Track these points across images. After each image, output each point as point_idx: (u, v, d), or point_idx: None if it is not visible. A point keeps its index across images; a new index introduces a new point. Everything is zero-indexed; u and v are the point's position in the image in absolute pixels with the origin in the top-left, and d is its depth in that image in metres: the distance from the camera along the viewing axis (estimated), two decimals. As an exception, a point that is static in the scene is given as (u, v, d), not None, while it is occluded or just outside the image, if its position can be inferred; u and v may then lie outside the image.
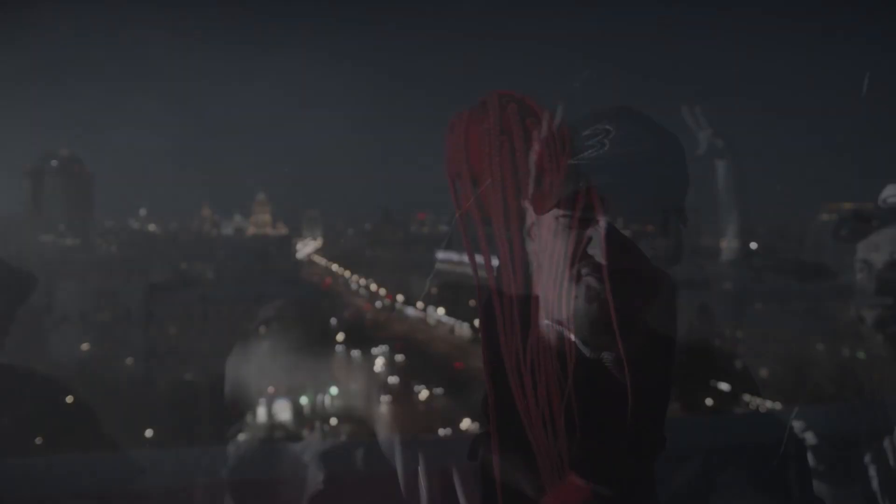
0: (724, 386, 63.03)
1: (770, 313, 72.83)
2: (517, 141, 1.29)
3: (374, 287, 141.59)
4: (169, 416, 49.74)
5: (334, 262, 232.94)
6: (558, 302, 1.29)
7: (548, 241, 1.31)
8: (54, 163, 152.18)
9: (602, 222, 1.29)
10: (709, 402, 58.36)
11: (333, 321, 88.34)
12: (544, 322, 1.30)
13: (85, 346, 63.04)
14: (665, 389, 1.27)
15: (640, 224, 1.40)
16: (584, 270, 1.28)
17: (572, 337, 1.27)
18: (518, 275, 1.32)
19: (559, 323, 1.28)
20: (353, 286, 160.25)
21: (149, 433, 49.17)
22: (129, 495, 2.04)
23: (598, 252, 1.27)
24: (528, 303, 1.34)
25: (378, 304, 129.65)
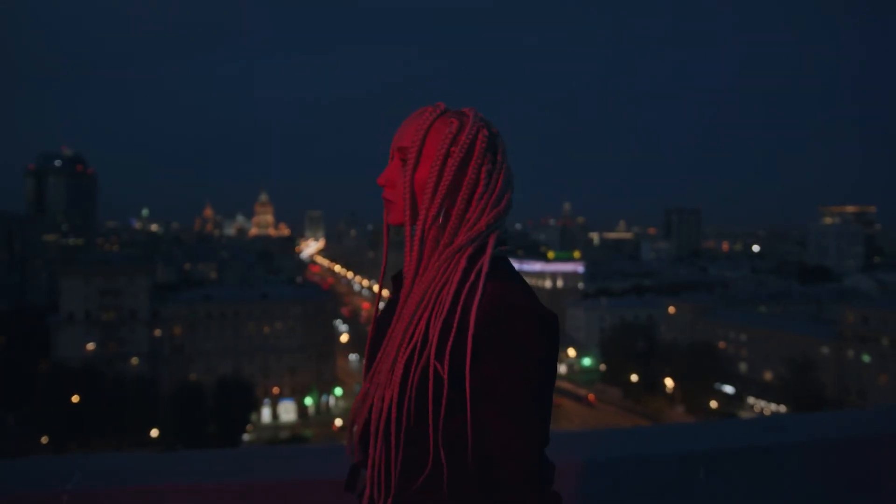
0: (728, 388, 62.97)
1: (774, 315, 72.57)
2: (472, 166, 1.31)
3: (377, 288, 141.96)
4: (173, 415, 49.76)
5: (336, 262, 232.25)
6: (423, 328, 1.27)
7: (438, 266, 1.29)
8: (58, 162, 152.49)
9: (488, 256, 1.28)
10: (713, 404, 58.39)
11: (338, 323, 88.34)
12: (405, 345, 1.28)
13: (90, 346, 63.04)
14: (539, 434, 1.24)
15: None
16: (458, 299, 1.27)
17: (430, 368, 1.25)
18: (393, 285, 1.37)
19: (423, 350, 1.26)
20: (356, 287, 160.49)
21: (154, 433, 49.26)
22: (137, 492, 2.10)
23: (478, 283, 1.26)
24: (390, 323, 1.36)
25: (381, 305, 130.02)
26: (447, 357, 1.23)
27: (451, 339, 1.24)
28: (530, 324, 1.23)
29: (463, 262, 1.28)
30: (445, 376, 1.23)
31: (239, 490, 2.13)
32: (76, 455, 2.47)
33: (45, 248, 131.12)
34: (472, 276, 1.26)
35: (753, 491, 2.54)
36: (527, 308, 1.24)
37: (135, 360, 62.91)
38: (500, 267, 1.30)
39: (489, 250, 1.28)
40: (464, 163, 1.31)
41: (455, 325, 1.24)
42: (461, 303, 1.25)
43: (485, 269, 1.26)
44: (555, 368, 1.29)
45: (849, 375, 56.92)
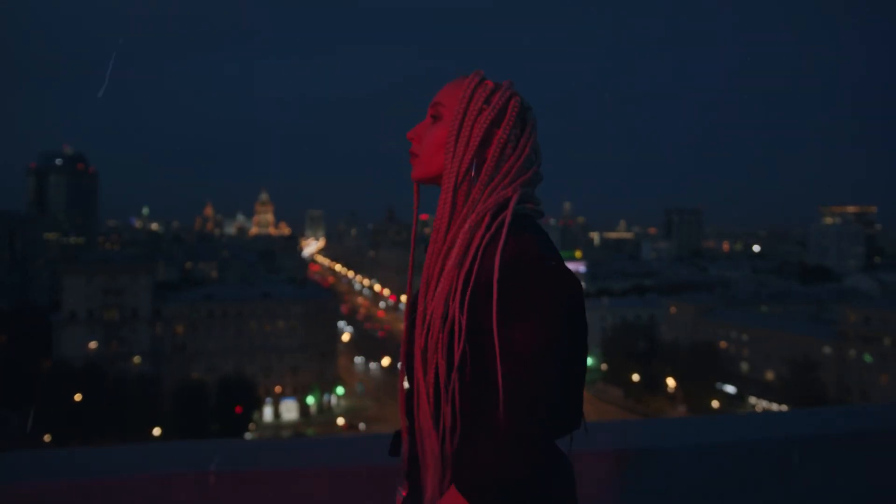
0: (730, 388, 62.99)
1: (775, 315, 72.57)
2: (502, 127, 1.39)
3: (377, 287, 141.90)
4: (175, 414, 49.85)
5: (337, 262, 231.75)
6: (453, 285, 1.33)
7: (468, 225, 1.35)
8: (59, 161, 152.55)
9: (511, 210, 1.33)
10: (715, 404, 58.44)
11: (343, 324, 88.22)
12: (439, 304, 1.33)
13: (92, 345, 63.09)
14: (547, 386, 1.24)
15: None
16: (483, 254, 1.32)
17: (461, 325, 1.29)
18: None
19: (451, 306, 1.31)
20: (357, 286, 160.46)
21: (156, 431, 49.33)
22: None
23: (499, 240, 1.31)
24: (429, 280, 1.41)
25: (382, 304, 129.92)
26: (466, 308, 1.28)
27: (468, 289, 1.29)
28: (543, 276, 1.26)
29: (487, 219, 1.33)
30: (464, 328, 1.28)
31: (369, 472, 2.29)
32: (215, 439, 2.62)
33: (47, 246, 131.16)
34: (493, 229, 1.32)
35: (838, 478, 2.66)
36: (541, 260, 1.27)
37: (137, 359, 62.97)
38: (524, 224, 1.34)
39: (511, 205, 1.33)
40: (494, 123, 1.38)
41: (473, 276, 1.29)
42: (480, 255, 1.30)
43: (507, 221, 1.31)
44: (576, 326, 1.33)
45: (850, 375, 56.98)
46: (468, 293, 1.28)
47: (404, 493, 1.43)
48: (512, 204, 1.33)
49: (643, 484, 2.48)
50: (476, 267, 1.29)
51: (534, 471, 1.20)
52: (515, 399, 1.21)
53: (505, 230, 1.29)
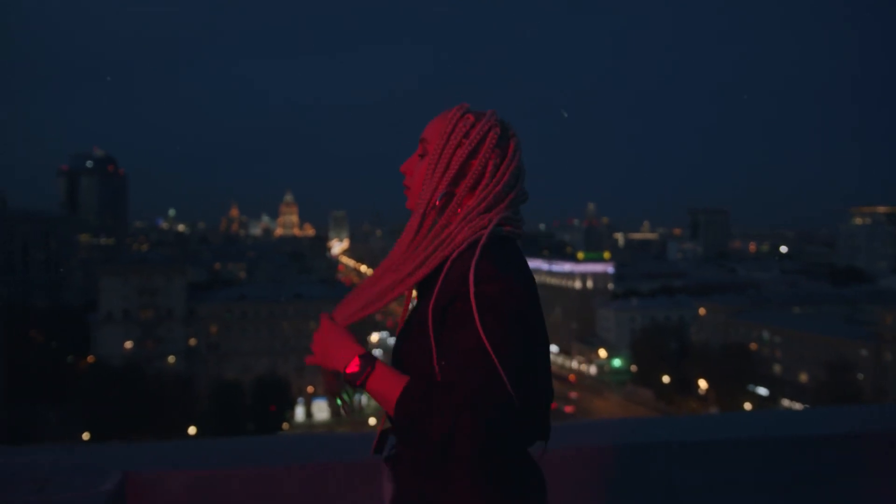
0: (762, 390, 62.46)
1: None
2: (478, 159, 1.46)
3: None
4: (211, 413, 50.46)
5: (362, 262, 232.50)
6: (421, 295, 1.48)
7: (432, 243, 1.44)
8: (89, 163, 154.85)
9: (485, 239, 1.38)
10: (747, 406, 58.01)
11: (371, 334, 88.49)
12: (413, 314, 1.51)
13: (128, 344, 64.10)
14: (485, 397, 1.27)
15: None
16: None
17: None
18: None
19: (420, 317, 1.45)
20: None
21: (192, 430, 50.00)
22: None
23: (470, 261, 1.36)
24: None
25: (412, 306, 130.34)
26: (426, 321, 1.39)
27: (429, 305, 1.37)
28: (494, 293, 1.31)
29: (458, 239, 1.41)
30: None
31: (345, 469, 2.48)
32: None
33: (79, 247, 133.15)
34: (462, 248, 1.38)
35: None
36: (491, 278, 1.32)
37: (171, 359, 63.88)
38: (492, 244, 1.39)
39: (487, 231, 1.38)
40: (471, 156, 1.45)
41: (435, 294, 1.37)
42: (443, 273, 1.38)
43: (481, 244, 1.36)
44: (533, 338, 1.38)
45: (886, 377, 56.26)
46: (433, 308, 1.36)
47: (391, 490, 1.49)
48: (488, 230, 1.38)
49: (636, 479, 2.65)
50: (438, 285, 1.37)
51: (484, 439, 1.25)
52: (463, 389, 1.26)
53: (477, 252, 1.34)
